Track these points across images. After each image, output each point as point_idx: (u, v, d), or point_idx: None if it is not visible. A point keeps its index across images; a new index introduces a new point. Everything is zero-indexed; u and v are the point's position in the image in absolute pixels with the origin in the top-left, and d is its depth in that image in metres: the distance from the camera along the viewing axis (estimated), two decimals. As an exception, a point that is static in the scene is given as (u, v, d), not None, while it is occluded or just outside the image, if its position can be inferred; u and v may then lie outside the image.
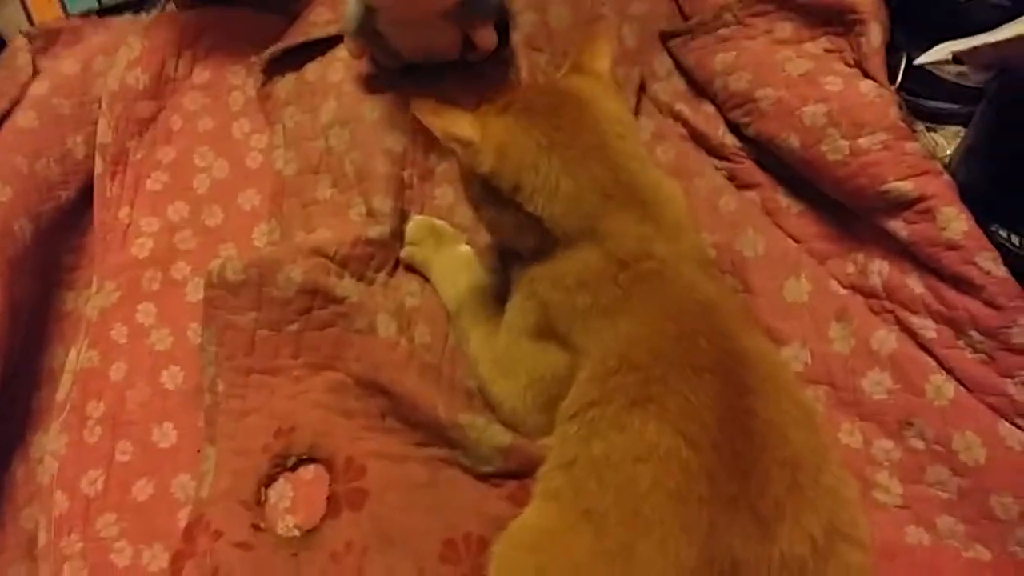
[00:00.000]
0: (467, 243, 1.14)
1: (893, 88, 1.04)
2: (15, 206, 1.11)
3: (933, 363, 0.92)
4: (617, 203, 0.87)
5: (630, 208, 0.88)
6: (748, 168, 1.13)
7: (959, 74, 1.11)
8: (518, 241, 0.96)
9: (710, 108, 1.19)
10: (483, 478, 0.99)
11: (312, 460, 1.01)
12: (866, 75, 1.04)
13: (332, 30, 1.30)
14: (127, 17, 1.44)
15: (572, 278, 0.88)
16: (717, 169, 1.15)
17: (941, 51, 0.95)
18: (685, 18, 1.30)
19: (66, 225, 1.21)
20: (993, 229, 0.93)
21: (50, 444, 1.05)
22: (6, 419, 1.08)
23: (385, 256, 1.12)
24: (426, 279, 1.12)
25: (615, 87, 0.98)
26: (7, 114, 1.19)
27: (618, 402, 0.80)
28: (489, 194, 0.91)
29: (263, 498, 0.99)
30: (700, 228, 1.06)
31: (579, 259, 0.88)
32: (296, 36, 1.32)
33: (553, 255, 0.90)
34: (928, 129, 1.12)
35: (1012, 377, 0.87)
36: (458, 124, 0.88)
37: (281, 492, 1.00)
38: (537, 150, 0.88)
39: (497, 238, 1.01)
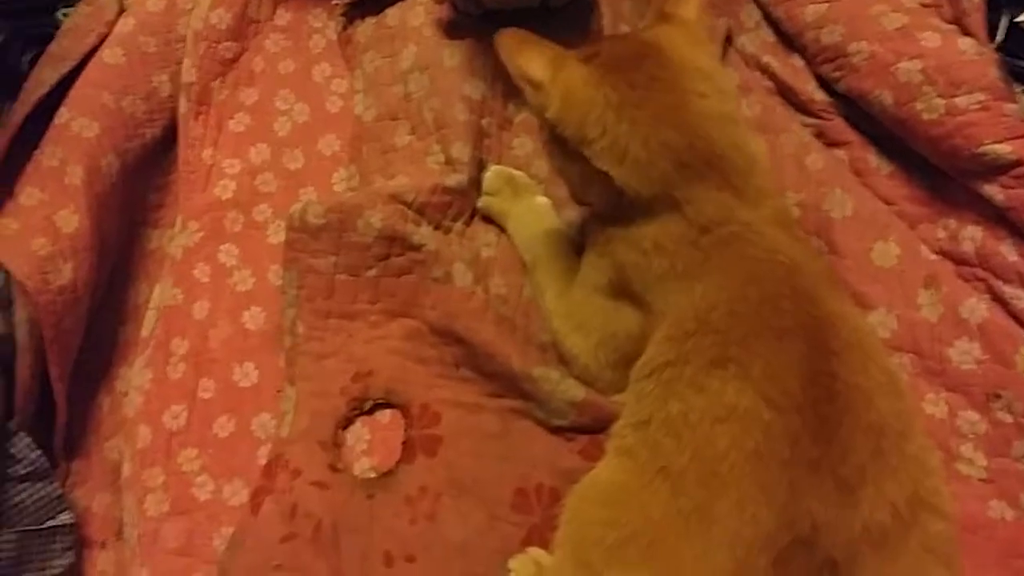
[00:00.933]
0: (544, 195, 1.13)
1: (992, 47, 1.00)
2: (103, 142, 1.13)
3: (1025, 335, 0.90)
4: (693, 172, 0.85)
5: (708, 176, 0.85)
6: (837, 125, 1.10)
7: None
8: (589, 195, 0.95)
9: (799, 62, 1.16)
10: (556, 431, 0.99)
11: (388, 405, 1.03)
12: (965, 32, 1.00)
13: (413, -26, 1.29)
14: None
15: (649, 241, 0.87)
16: (805, 125, 1.12)
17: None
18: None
19: (151, 163, 1.23)
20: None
21: (135, 379, 1.08)
22: (93, 352, 1.11)
23: (462, 205, 1.12)
24: (502, 230, 1.12)
25: (703, 36, 0.94)
26: (93, 50, 1.20)
27: (696, 363, 0.79)
28: (557, 142, 0.90)
29: (341, 440, 1.01)
30: (785, 187, 1.04)
31: (656, 223, 0.86)
32: (377, -21, 1.31)
33: (628, 215, 0.89)
34: (1025, 92, 1.07)
35: (1107, 352, 0.85)
36: (532, 63, 0.87)
37: (358, 435, 1.02)
38: (604, 105, 0.85)
39: (570, 190, 1.00)
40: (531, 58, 0.87)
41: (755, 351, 0.77)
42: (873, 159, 1.06)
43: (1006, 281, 0.92)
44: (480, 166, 1.15)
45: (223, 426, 1.05)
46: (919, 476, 0.74)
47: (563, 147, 0.90)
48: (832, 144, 1.10)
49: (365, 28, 1.30)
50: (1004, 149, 0.91)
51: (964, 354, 0.92)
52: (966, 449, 0.90)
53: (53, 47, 1.20)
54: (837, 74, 1.08)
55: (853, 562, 0.70)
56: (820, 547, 0.70)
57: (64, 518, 0.99)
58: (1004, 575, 0.84)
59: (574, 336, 0.99)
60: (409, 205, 1.08)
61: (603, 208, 0.93)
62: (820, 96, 1.12)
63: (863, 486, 0.71)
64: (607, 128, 0.85)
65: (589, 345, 0.97)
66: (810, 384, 0.74)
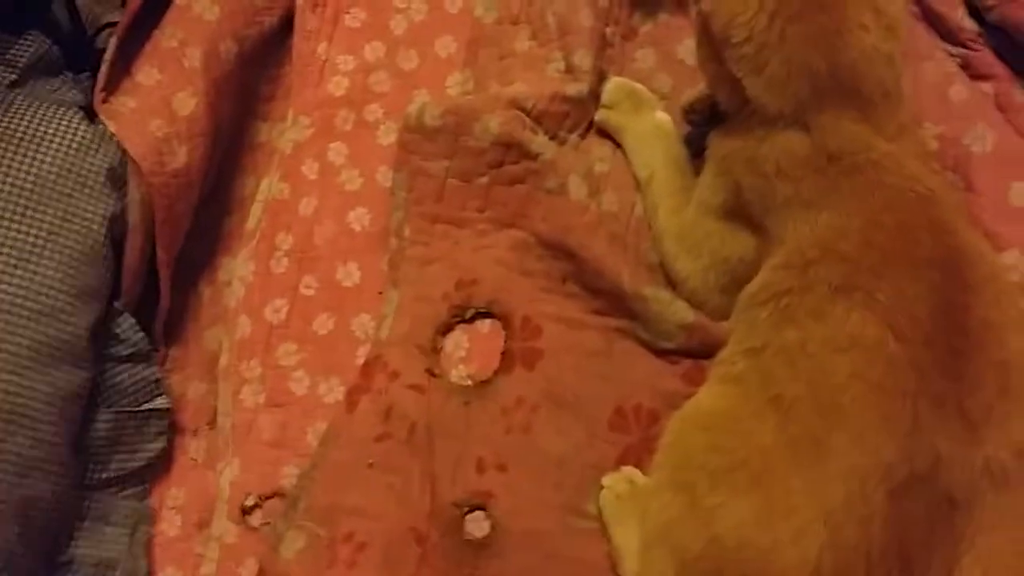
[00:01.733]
0: (665, 111, 1.08)
1: None
2: (222, 26, 1.12)
3: None
4: (831, 101, 0.81)
5: (846, 108, 0.81)
6: (985, 57, 1.05)
7: None
8: (722, 97, 0.91)
9: (949, -13, 1.08)
10: (659, 353, 0.98)
11: (489, 315, 1.02)
12: None
13: None
14: None
15: (772, 164, 0.83)
16: (950, 55, 1.06)
17: None
18: None
19: (267, 53, 1.22)
20: None
21: (238, 269, 1.09)
22: (198, 241, 1.13)
23: (580, 116, 1.09)
24: (617, 145, 1.09)
25: None
26: (217, -63, 1.19)
27: (819, 291, 0.77)
28: (705, 34, 0.87)
29: (439, 346, 1.01)
30: (924, 118, 0.98)
31: (782, 144, 0.83)
32: None
33: (754, 131, 0.85)
34: None
35: None
36: None
37: (457, 342, 1.01)
38: (758, 9, 0.80)
39: (707, 85, 0.96)
40: None
41: (887, 279, 0.74)
42: (1019, 95, 1.01)
43: None
44: (601, 77, 1.11)
45: (323, 324, 1.06)
46: None
47: (708, 40, 0.86)
48: (977, 77, 1.04)
49: (489, -73, 1.26)
50: None
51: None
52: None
53: (176, -69, 1.19)
54: (990, 2, 1.02)
55: (971, 500, 0.68)
56: (940, 483, 0.68)
57: (160, 402, 1.02)
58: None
59: (684, 258, 0.97)
60: (528, 112, 1.05)
61: (732, 115, 0.90)
62: (969, 24, 1.06)
63: (988, 424, 0.69)
64: (753, 34, 0.81)
65: (699, 268, 0.95)
66: (942, 316, 0.72)
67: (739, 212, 0.89)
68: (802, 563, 0.69)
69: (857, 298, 0.74)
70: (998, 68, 1.03)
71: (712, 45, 0.85)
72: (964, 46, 1.06)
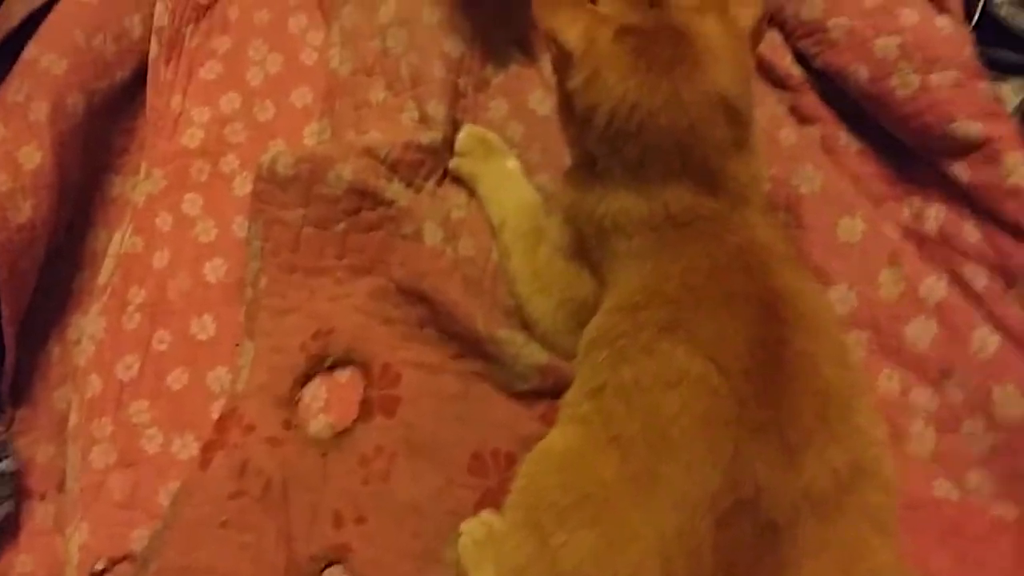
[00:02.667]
0: (517, 159, 1.11)
1: (969, 28, 1.00)
2: (70, 79, 1.10)
3: (980, 314, 0.91)
4: (677, 178, 0.83)
5: (691, 182, 0.84)
6: (811, 101, 1.10)
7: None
8: (573, 153, 0.94)
9: (777, 36, 1.14)
10: (516, 396, 0.99)
11: (348, 363, 1.02)
12: (942, 11, 1.00)
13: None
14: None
15: (610, 220, 0.86)
16: (779, 100, 1.12)
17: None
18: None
19: (119, 107, 1.20)
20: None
21: (88, 326, 1.06)
22: (46, 298, 1.09)
23: (435, 164, 1.10)
24: (472, 192, 1.11)
25: (747, 52, 0.86)
26: (66, -12, 1.17)
27: (648, 331, 0.79)
28: (565, 101, 0.89)
29: (297, 397, 1.00)
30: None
31: (620, 205, 0.86)
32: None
33: (595, 189, 0.88)
34: (994, 79, 1.07)
35: (1061, 334, 0.85)
36: (567, 29, 0.84)
37: (315, 392, 1.01)
38: (622, 100, 0.82)
39: (563, 136, 0.97)
40: (566, 22, 0.84)
41: (704, 317, 0.78)
42: (844, 137, 1.06)
43: (966, 261, 0.92)
44: (455, 126, 1.13)
45: (177, 378, 1.04)
46: (862, 445, 0.75)
47: (569, 108, 0.88)
48: (805, 120, 1.10)
49: (345, -19, 1.28)
50: (974, 128, 0.91)
51: (921, 332, 0.92)
52: (916, 426, 0.91)
53: (25, -18, 1.17)
54: (815, 49, 1.08)
55: (794, 525, 0.70)
56: (762, 509, 0.70)
57: (6, 465, 0.98)
58: (945, 554, 0.85)
59: (537, 298, 0.99)
60: (382, 160, 1.06)
61: (578, 167, 0.93)
62: (796, 71, 1.11)
63: (807, 450, 0.72)
64: (615, 118, 0.83)
65: (550, 307, 0.97)
66: (759, 349, 0.75)
67: (583, 255, 0.92)
68: None
69: (681, 335, 0.77)
70: (823, 111, 1.08)
71: (572, 111, 0.88)
72: (792, 91, 1.11)
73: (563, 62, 0.85)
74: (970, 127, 0.91)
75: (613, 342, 0.82)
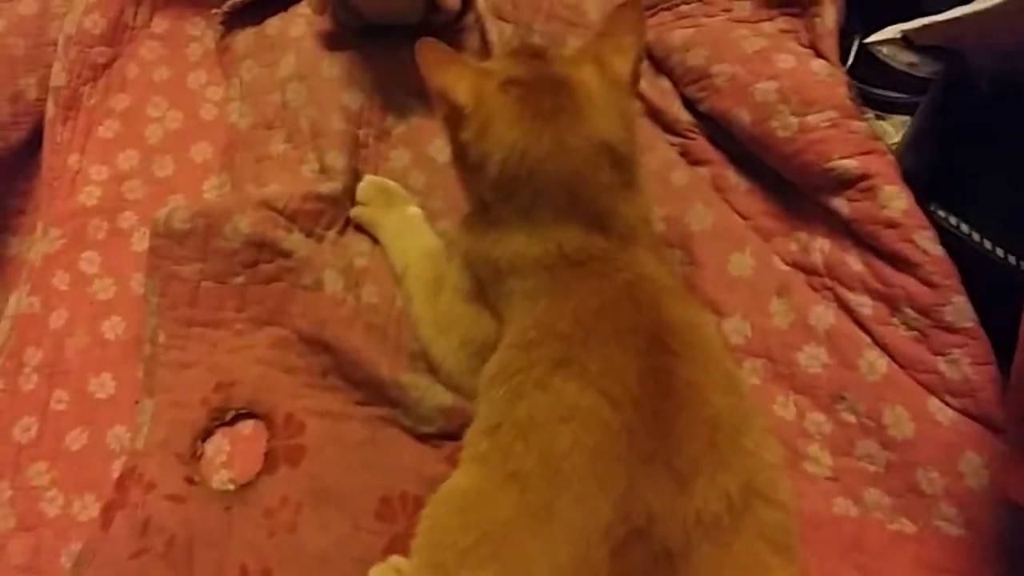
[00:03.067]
0: (419, 206, 1.13)
1: (844, 70, 1.05)
2: (-35, 141, 1.09)
3: (868, 339, 0.94)
4: (568, 219, 0.87)
5: (580, 223, 0.87)
6: (701, 144, 1.14)
7: (910, 64, 1.12)
8: (468, 198, 0.96)
9: (667, 83, 1.19)
10: (422, 439, 0.99)
11: (251, 415, 1.01)
12: (819, 55, 1.05)
13: (295, -15, 1.29)
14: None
15: (505, 263, 0.89)
16: (671, 144, 1.15)
17: (893, 31, 0.96)
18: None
19: (14, 168, 1.19)
20: (932, 209, 0.94)
21: (-15, 390, 1.04)
22: (-60, 362, 1.06)
23: (336, 214, 1.11)
24: (375, 241, 1.12)
25: (626, 97, 0.90)
26: (-39, 52, 1.17)
27: (541, 367, 0.81)
28: (459, 150, 0.91)
29: (199, 451, 0.99)
30: (649, 202, 1.06)
31: (515, 248, 0.88)
32: (258, -11, 1.31)
33: (490, 233, 0.91)
34: (877, 117, 1.12)
35: (943, 355, 0.89)
36: (456, 85, 0.86)
37: (218, 446, 0.99)
38: (512, 148, 0.85)
39: (458, 181, 1.00)
40: (454, 79, 0.87)
41: (594, 351, 0.79)
42: (732, 176, 1.10)
43: (851, 289, 0.95)
44: (355, 176, 1.14)
45: (76, 439, 1.02)
46: (754, 468, 0.76)
47: (462, 156, 0.91)
48: (695, 162, 1.13)
49: (244, 37, 1.29)
50: (851, 164, 0.95)
51: (812, 358, 0.95)
52: (813, 449, 0.93)
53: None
54: (701, 94, 1.12)
55: (688, 550, 0.71)
56: (656, 537, 0.71)
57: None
58: (847, 569, 0.86)
59: (439, 340, 0.99)
60: (280, 211, 1.06)
61: (473, 213, 0.95)
62: (685, 116, 1.15)
63: (696, 477, 0.73)
64: (506, 167, 0.86)
65: (452, 349, 0.98)
66: (648, 380, 0.77)
67: (483, 297, 0.94)
68: None
69: (574, 370, 0.79)
70: (712, 154, 1.12)
71: (465, 161, 0.90)
72: (683, 136, 1.15)
73: (454, 116, 0.88)
74: (847, 164, 0.95)
75: (510, 379, 0.83)
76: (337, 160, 1.13)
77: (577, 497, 0.73)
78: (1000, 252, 0.92)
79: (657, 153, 1.14)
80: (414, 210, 1.12)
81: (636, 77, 0.91)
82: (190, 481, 0.95)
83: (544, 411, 0.78)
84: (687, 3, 1.21)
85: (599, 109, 0.86)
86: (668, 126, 1.17)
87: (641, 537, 0.71)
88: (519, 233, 0.88)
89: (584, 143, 0.85)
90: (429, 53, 0.88)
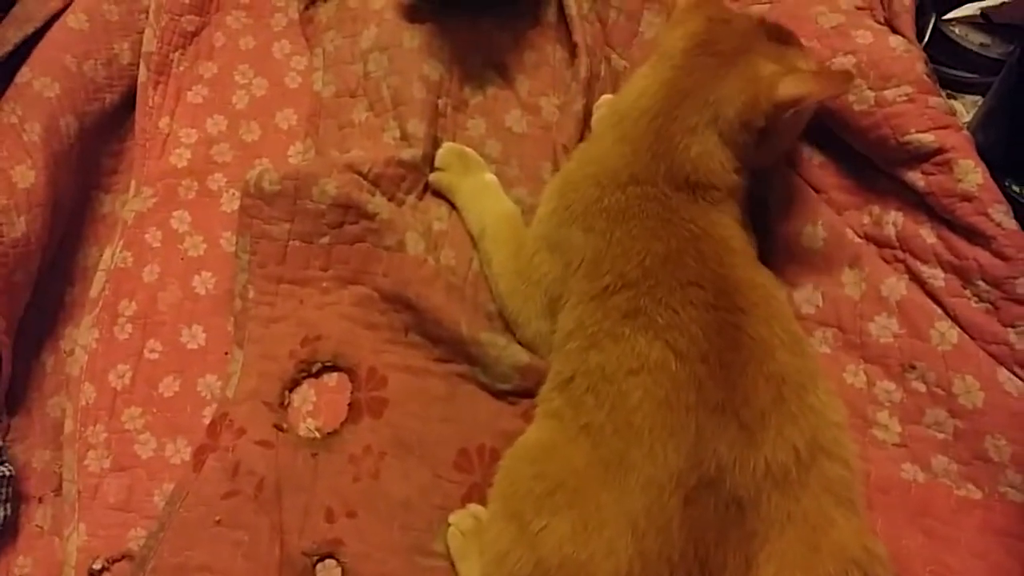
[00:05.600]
0: (494, 174, 1.16)
1: (920, 47, 1.06)
2: (62, 102, 1.14)
3: (939, 310, 0.95)
4: (651, 155, 0.91)
5: (661, 168, 0.91)
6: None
7: (982, 44, 1.13)
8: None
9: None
10: (499, 395, 1.03)
11: (336, 368, 1.05)
12: (895, 31, 1.06)
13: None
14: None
15: (594, 166, 0.95)
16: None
17: (972, 7, 0.96)
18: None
19: (109, 129, 1.24)
20: (1007, 184, 0.95)
21: (81, 338, 1.09)
22: (39, 311, 1.12)
23: (415, 179, 1.15)
24: (453, 206, 1.15)
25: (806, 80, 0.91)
26: (58, 14, 1.21)
27: (613, 317, 0.85)
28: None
29: (286, 401, 1.03)
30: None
31: (602, 154, 0.95)
32: (341, -38, 1.34)
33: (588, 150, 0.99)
34: (948, 96, 1.13)
35: (1014, 326, 0.90)
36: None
37: (304, 396, 1.04)
38: None
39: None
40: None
41: (662, 302, 0.83)
42: (806, 150, 1.11)
43: (923, 261, 0.97)
44: (435, 143, 1.18)
45: (168, 386, 1.07)
46: (819, 424, 0.79)
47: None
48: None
49: (327, 9, 1.33)
50: (927, 138, 0.96)
51: (883, 329, 0.97)
52: (882, 416, 0.95)
53: (17, 9, 1.21)
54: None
55: (757, 499, 0.75)
56: (726, 486, 0.75)
57: (3, 470, 1.00)
58: (914, 532, 0.89)
59: (520, 289, 1.03)
60: (364, 175, 1.10)
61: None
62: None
63: (765, 429, 0.77)
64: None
65: (532, 296, 1.01)
66: (715, 333, 0.80)
67: (563, 248, 0.97)
68: (615, 574, 0.75)
69: (641, 322, 0.82)
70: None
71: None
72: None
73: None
74: (923, 138, 0.96)
75: (585, 330, 0.87)
76: (418, 128, 1.16)
77: (648, 448, 0.76)
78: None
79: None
80: (490, 176, 1.15)
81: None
82: (278, 428, 1.00)
83: (615, 362, 0.82)
84: (763, -21, 1.22)
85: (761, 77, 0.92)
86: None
87: (712, 486, 0.75)
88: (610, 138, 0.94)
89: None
90: None
